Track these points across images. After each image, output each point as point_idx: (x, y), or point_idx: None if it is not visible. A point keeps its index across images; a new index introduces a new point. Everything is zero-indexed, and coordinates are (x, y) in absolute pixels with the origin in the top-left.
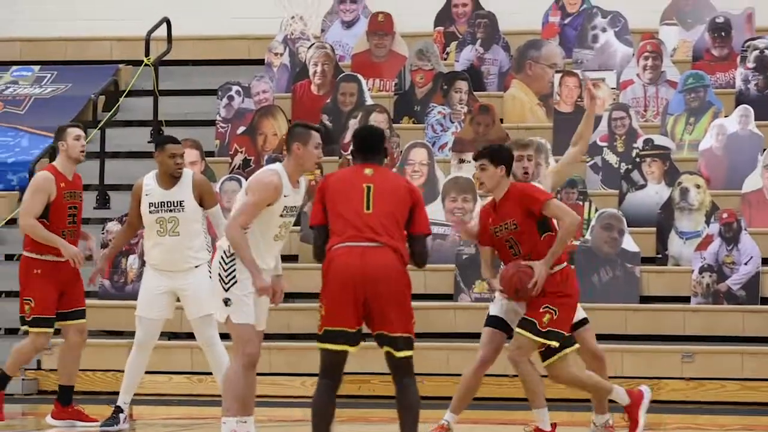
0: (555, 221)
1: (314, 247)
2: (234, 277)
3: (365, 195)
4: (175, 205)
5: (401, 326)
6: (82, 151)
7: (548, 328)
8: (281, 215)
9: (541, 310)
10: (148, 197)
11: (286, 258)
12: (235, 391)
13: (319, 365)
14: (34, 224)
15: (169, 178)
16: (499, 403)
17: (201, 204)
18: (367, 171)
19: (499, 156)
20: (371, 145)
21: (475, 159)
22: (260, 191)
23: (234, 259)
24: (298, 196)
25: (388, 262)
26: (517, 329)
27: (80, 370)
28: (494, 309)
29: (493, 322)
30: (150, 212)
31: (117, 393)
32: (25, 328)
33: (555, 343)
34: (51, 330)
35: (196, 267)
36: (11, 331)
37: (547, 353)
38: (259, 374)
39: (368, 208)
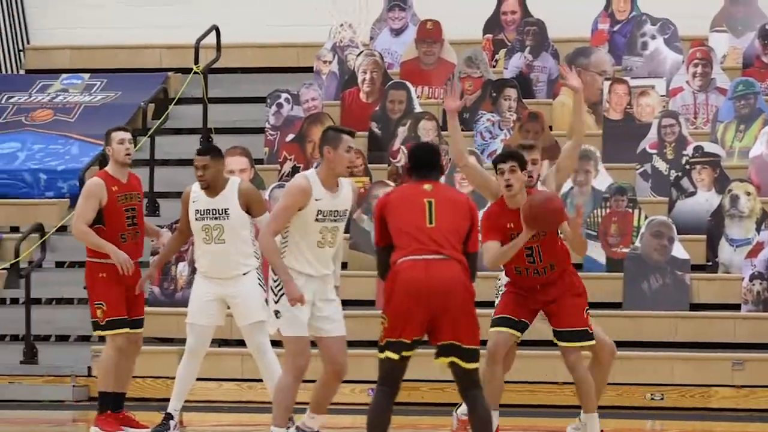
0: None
1: (378, 265)
2: (282, 288)
3: (427, 209)
4: (220, 212)
5: (471, 338)
6: (128, 154)
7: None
8: (317, 219)
9: (584, 314)
10: (194, 204)
11: None
12: (285, 402)
13: (379, 373)
14: (86, 231)
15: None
16: (549, 411)
17: (249, 212)
18: (426, 186)
19: (523, 160)
20: (428, 162)
21: (502, 162)
22: (288, 196)
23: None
24: (338, 200)
25: (453, 274)
26: (576, 344)
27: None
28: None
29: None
30: (196, 219)
31: (167, 400)
32: (98, 333)
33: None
34: (127, 330)
35: (245, 274)
36: (62, 338)
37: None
38: (309, 381)
39: (431, 222)
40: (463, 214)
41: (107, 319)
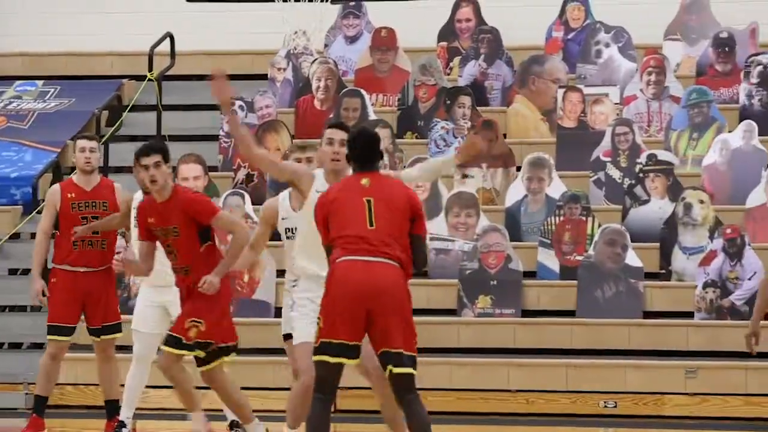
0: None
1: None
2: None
3: (366, 210)
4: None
5: (405, 343)
6: (87, 162)
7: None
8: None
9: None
10: (134, 211)
11: None
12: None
13: (315, 380)
14: (38, 241)
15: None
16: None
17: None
18: (364, 181)
19: (167, 153)
20: (367, 152)
21: (145, 156)
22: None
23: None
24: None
25: (392, 278)
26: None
27: (71, 384)
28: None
29: None
30: (134, 227)
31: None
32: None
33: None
34: (63, 339)
35: None
36: (15, 346)
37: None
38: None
39: (371, 224)
40: (402, 209)
41: (47, 323)
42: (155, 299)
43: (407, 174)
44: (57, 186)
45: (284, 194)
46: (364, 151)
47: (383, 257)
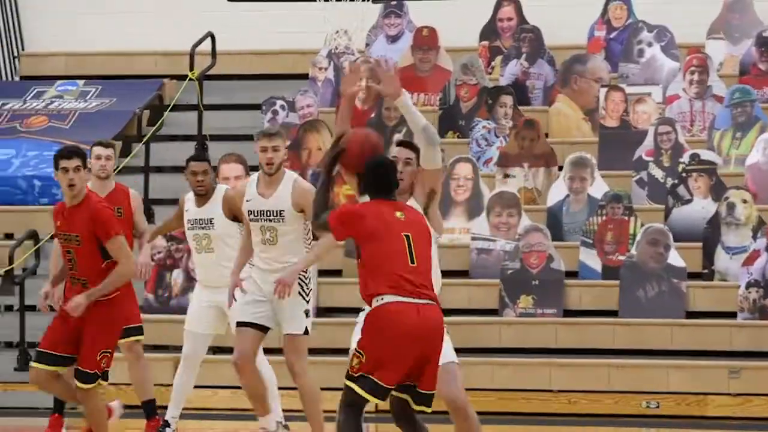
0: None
1: (315, 203)
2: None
3: (407, 247)
4: (206, 222)
5: (435, 385)
6: (102, 169)
7: None
8: (250, 219)
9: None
10: (187, 214)
11: (329, 273)
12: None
13: (344, 399)
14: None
15: (200, 196)
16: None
17: (237, 219)
18: (399, 215)
19: (85, 158)
20: (389, 182)
21: (66, 158)
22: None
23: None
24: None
25: (439, 322)
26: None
27: (125, 384)
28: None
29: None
30: (188, 229)
31: (164, 407)
32: None
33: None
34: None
35: None
36: None
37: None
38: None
39: (413, 262)
40: (429, 242)
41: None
42: (211, 299)
43: (424, 157)
44: None
45: (253, 177)
46: (387, 180)
47: (428, 299)
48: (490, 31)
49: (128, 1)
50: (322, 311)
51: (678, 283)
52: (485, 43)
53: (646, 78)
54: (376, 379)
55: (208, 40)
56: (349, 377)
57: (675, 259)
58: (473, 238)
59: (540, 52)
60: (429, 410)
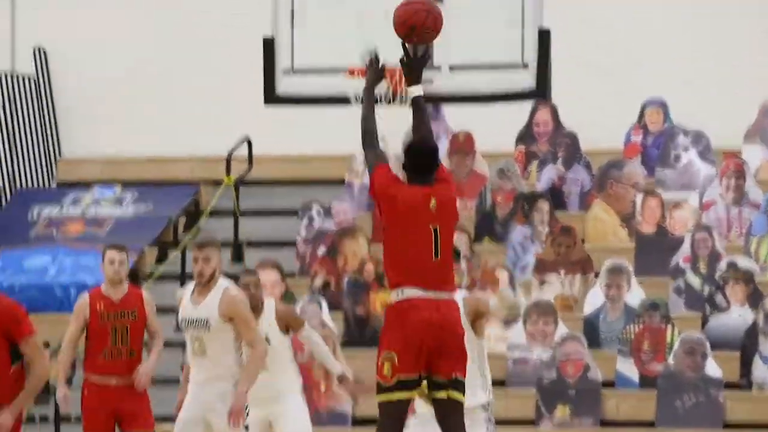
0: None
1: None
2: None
3: (434, 240)
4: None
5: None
6: (116, 273)
7: None
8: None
9: None
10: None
11: None
12: None
13: (383, 420)
14: (63, 348)
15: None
16: None
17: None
18: (432, 205)
19: None
20: (428, 164)
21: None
22: None
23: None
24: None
25: (457, 316)
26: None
27: None
28: None
29: None
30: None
31: None
32: None
33: None
34: None
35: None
36: None
37: None
38: None
39: (437, 255)
40: (453, 233)
41: None
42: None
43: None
44: (86, 296)
45: (189, 286)
46: (425, 162)
47: (447, 294)
48: (526, 136)
49: (163, 106)
50: None
51: (715, 393)
52: (521, 147)
53: (683, 183)
54: (410, 377)
55: (245, 145)
56: (386, 390)
57: (712, 368)
58: (509, 348)
59: (576, 156)
60: (462, 398)
